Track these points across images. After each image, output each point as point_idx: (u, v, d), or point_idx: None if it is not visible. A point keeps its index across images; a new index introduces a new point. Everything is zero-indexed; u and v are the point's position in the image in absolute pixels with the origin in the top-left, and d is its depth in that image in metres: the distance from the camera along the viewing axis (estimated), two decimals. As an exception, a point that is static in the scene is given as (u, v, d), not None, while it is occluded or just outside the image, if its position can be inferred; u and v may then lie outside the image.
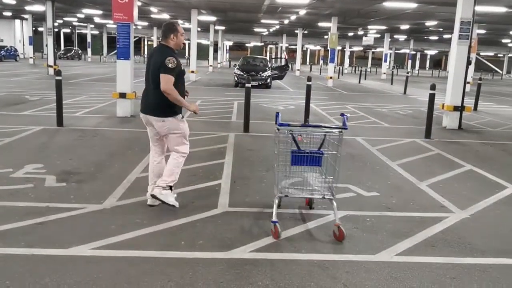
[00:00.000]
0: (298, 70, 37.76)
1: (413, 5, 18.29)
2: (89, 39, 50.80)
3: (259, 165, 6.54)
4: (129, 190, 5.21)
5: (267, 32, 46.95)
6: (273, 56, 58.94)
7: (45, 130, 8.61)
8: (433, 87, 9.41)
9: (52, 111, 9.76)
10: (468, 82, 18.90)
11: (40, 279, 3.18)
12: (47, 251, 3.60)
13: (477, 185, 6.14)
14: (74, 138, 7.98)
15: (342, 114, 4.32)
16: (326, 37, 38.05)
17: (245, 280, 3.29)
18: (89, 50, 49.53)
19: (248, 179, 5.83)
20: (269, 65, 23.51)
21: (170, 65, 4.34)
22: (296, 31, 36.52)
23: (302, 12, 23.18)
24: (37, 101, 12.79)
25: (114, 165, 6.33)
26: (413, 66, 58.75)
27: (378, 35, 38.48)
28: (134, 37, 11.65)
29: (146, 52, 60.78)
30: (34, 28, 41.38)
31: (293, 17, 27.12)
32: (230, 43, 65.73)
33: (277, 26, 36.76)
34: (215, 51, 43.05)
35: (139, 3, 18.13)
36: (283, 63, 26.33)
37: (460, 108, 10.73)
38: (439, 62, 76.32)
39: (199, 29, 30.54)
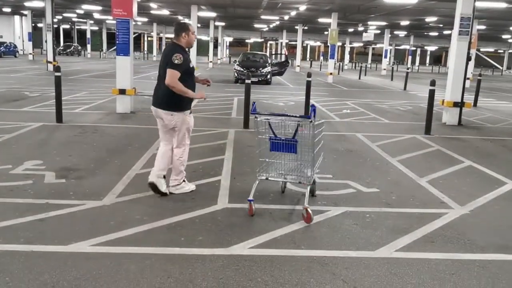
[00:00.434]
0: (298, 66, 37.70)
1: (413, 1, 18.24)
2: (88, 35, 50.72)
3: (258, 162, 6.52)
4: (128, 187, 5.21)
5: (267, 28, 46.87)
6: (273, 52, 58.87)
7: (45, 126, 8.61)
8: (433, 83, 9.40)
9: (52, 107, 9.74)
10: (468, 78, 18.86)
11: (40, 275, 3.19)
12: (47, 248, 3.61)
13: (477, 181, 6.14)
14: (74, 135, 7.97)
15: (312, 105, 4.59)
16: (326, 33, 38.00)
17: (245, 276, 3.29)
18: (88, 46, 49.46)
19: (248, 176, 5.82)
20: (269, 61, 23.47)
21: (176, 61, 4.58)
22: (296, 27, 36.44)
23: (302, 7, 23.12)
24: (36, 97, 12.77)
25: (113, 161, 6.33)
26: (413, 62, 58.71)
27: (378, 31, 38.41)
28: (134, 33, 11.63)
29: (146, 48, 60.70)
30: (33, 24, 41.28)
31: (293, 13, 27.06)
32: (230, 39, 65.64)
33: (277, 22, 36.69)
34: (215, 47, 42.97)
35: (139, -1, 18.06)
36: (283, 59, 26.27)
37: (460, 104, 10.72)
38: (439, 58, 76.21)
39: (199, 25, 30.51)
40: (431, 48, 64.60)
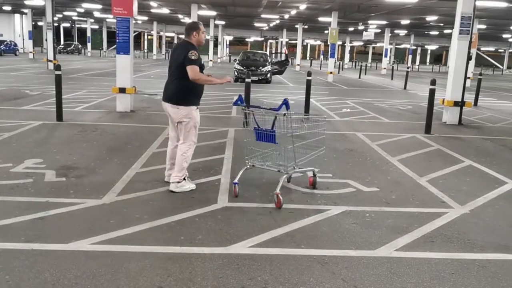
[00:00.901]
0: (298, 65, 37.69)
1: (414, 0, 18.23)
2: (88, 34, 50.73)
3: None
4: (129, 185, 5.21)
5: (267, 27, 46.85)
6: (273, 51, 58.84)
7: (45, 125, 8.61)
8: (433, 82, 9.40)
9: (52, 105, 9.75)
10: (469, 77, 18.86)
11: (40, 274, 3.19)
12: (47, 246, 3.61)
13: (477, 180, 6.14)
14: (74, 133, 7.97)
15: (284, 99, 4.93)
16: (326, 32, 37.96)
17: (245, 275, 3.30)
18: (89, 45, 49.46)
19: (248, 174, 5.81)
20: (269, 60, 23.45)
21: (193, 57, 4.85)
22: (296, 26, 36.42)
23: (303, 6, 23.10)
24: (36, 95, 12.77)
25: (113, 160, 6.33)
26: (413, 61, 58.65)
27: (379, 30, 38.41)
28: (134, 31, 11.62)
29: (146, 47, 60.66)
30: (33, 23, 41.28)
31: (293, 12, 27.04)
32: (230, 38, 65.56)
33: (277, 21, 36.67)
34: (215, 46, 42.94)
35: (139, -2, 18.04)
36: (283, 58, 26.26)
37: (460, 104, 10.71)
38: (439, 57, 76.18)
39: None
40: (431, 47, 64.56)
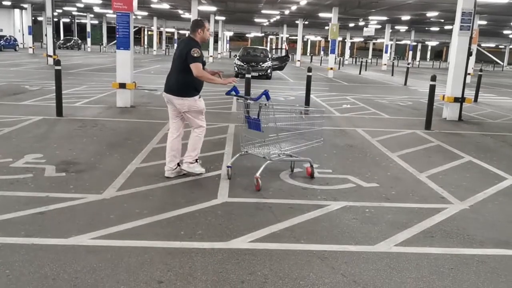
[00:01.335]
0: (298, 61, 37.62)
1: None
2: (88, 29, 50.61)
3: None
4: (129, 180, 5.22)
5: (267, 23, 46.77)
6: (274, 47, 58.75)
7: (45, 120, 8.60)
8: (433, 78, 9.38)
9: (52, 101, 9.74)
10: (469, 74, 18.84)
11: (40, 268, 3.20)
12: (47, 241, 3.62)
13: (477, 176, 6.15)
14: (74, 128, 7.97)
15: (264, 90, 5.19)
16: (327, 27, 37.90)
17: (245, 270, 3.30)
18: (88, 40, 49.35)
19: (249, 170, 5.82)
20: (270, 56, 23.42)
21: (195, 54, 5.08)
22: (296, 22, 36.33)
23: (303, 2, 23.03)
24: (36, 91, 12.76)
25: (114, 155, 6.33)
26: (414, 57, 58.56)
27: (379, 26, 38.32)
28: (134, 27, 11.59)
29: (146, 42, 60.55)
30: (33, 18, 41.19)
31: (293, 7, 26.98)
32: (231, 33, 65.45)
33: (278, 17, 36.59)
34: (215, 41, 42.86)
35: (139, -7, 17.98)
36: (283, 53, 26.22)
37: (460, 100, 10.70)
38: (440, 53, 76.04)
39: (199, 19, 30.39)
40: (432, 43, 64.46)
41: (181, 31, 66.37)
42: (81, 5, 35.87)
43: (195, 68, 5.07)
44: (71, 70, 20.45)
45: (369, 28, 35.46)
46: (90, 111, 9.83)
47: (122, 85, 10.49)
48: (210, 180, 5.38)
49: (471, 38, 10.53)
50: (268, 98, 5.09)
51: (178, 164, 5.40)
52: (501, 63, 56.09)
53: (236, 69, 20.82)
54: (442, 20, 32.05)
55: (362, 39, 65.16)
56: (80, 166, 5.69)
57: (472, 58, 21.69)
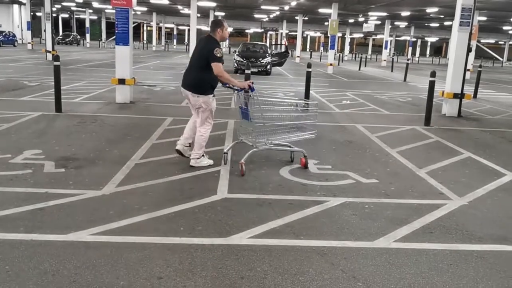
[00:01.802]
0: (298, 56, 37.57)
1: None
2: (87, 24, 50.47)
3: (259, 151, 6.52)
4: (128, 176, 5.21)
5: (267, 18, 46.66)
6: (273, 43, 58.61)
7: (44, 116, 8.59)
8: (433, 74, 9.37)
9: (51, 96, 9.72)
10: (468, 70, 18.82)
11: (39, 264, 3.20)
12: (46, 237, 3.62)
13: (476, 172, 6.15)
14: (73, 124, 7.96)
15: (251, 83, 5.52)
16: (326, 23, 37.80)
17: (244, 266, 3.31)
18: (87, 36, 49.23)
19: (248, 166, 5.82)
20: (269, 52, 23.37)
21: (218, 55, 5.36)
22: (296, 18, 36.25)
23: (303, -3, 22.96)
24: (35, 86, 12.73)
25: (113, 151, 6.33)
26: (413, 53, 58.47)
27: (379, 22, 38.23)
28: (133, 22, 11.56)
29: (145, 38, 60.40)
30: (32, 13, 40.97)
31: (293, 3, 26.90)
32: (230, 29, 65.09)
33: (277, 12, 36.48)
34: (215, 37, 42.71)
35: (138, -12, 17.94)
36: (283, 49, 26.17)
37: (460, 96, 10.70)
38: (439, 49, 75.95)
39: (198, 15, 30.28)
40: (431, 39, 64.35)
41: (180, 27, 66.21)
42: (80, 1, 35.78)
43: (216, 67, 5.34)
44: (70, 66, 20.41)
45: (369, 24, 35.34)
46: (89, 107, 9.82)
47: (122, 81, 10.47)
48: (209, 176, 5.38)
49: (470, 34, 10.51)
50: (252, 90, 5.45)
51: (189, 144, 5.87)
52: (501, 59, 56.02)
53: (236, 64, 20.78)
54: (442, 16, 31.99)
55: (361, 35, 64.98)
56: (80, 162, 5.69)
57: (472, 54, 21.66)
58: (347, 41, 60.02)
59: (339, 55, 40.63)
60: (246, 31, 69.21)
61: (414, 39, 58.26)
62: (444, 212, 4.57)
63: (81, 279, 3.04)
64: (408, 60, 26.19)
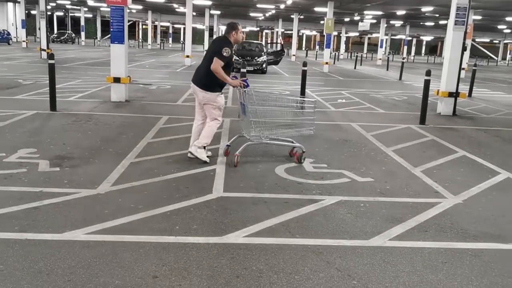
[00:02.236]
0: (293, 55, 37.58)
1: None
2: (82, 23, 50.24)
3: (254, 150, 6.53)
4: (123, 175, 5.20)
5: (263, 17, 46.62)
6: (269, 41, 58.56)
7: (38, 114, 8.55)
8: (428, 73, 9.40)
9: (46, 95, 9.67)
10: (463, 68, 18.89)
11: (34, 263, 3.19)
12: (41, 236, 3.60)
13: (470, 170, 6.18)
14: (68, 123, 7.93)
15: (243, 81, 5.77)
16: (322, 22, 37.80)
17: (240, 265, 3.31)
18: (82, 34, 49.02)
19: (243, 165, 5.83)
20: (265, 50, 23.37)
21: (224, 54, 5.55)
22: (292, 16, 36.24)
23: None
24: (30, 85, 12.67)
25: (108, 150, 6.31)
26: (408, 52, 58.61)
27: (374, 21, 38.28)
28: (128, 21, 11.52)
29: (140, 37, 60.21)
30: (26, 11, 40.76)
31: (289, 2, 26.89)
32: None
33: (273, 11, 36.47)
34: (211, 35, 42.69)
35: (133, -14, 17.87)
36: (278, 48, 26.17)
37: (454, 94, 10.74)
38: (435, 48, 76.17)
39: (194, 13, 30.22)
40: (426, 38, 64.55)
41: (176, 25, 66.07)
42: (75, -1, 35.59)
43: (216, 62, 5.51)
44: (65, 64, 20.32)
45: (364, 22, 35.41)
46: (84, 106, 9.78)
47: (117, 79, 10.44)
48: (205, 175, 5.38)
49: (465, 33, 10.55)
50: (246, 86, 5.75)
51: (205, 147, 5.93)
52: (495, 58, 56.28)
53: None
54: (437, 15, 32.08)
55: (357, 34, 65.11)
56: (75, 161, 5.67)
57: (467, 53, 21.75)
58: (343, 39, 60.09)
59: (335, 53, 40.71)
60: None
61: (410, 38, 58.39)
62: (439, 210, 4.59)
63: (76, 278, 3.03)
64: (403, 59, 26.24)
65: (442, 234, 4.03)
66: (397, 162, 6.41)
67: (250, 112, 5.77)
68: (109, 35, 10.98)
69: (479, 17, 29.67)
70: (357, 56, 33.87)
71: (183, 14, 29.28)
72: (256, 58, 21.14)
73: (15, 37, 42.35)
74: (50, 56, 9.05)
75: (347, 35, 61.49)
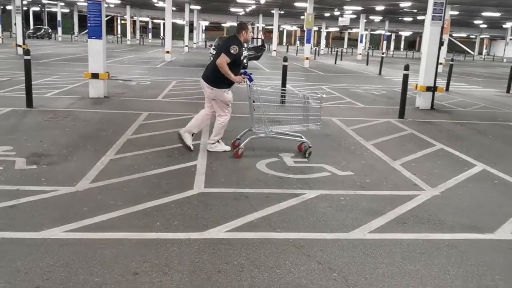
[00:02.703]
0: (274, 50, 37.58)
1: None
2: (59, 18, 49.29)
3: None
4: (103, 172, 5.14)
5: (243, 12, 46.45)
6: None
7: (15, 111, 8.37)
8: (406, 68, 9.52)
9: (22, 91, 9.46)
10: (441, 63, 19.18)
11: (12, 262, 3.13)
12: (18, 234, 3.54)
13: (448, 163, 6.29)
14: (45, 120, 7.79)
15: (245, 72, 6.04)
16: (302, 17, 37.89)
17: (221, 260, 3.31)
18: (59, 29, 48.11)
19: (224, 160, 5.82)
20: (245, 46, 23.29)
21: (232, 51, 5.78)
22: (272, 11, 36.22)
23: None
24: (5, 81, 12.38)
25: (87, 147, 6.22)
26: (388, 47, 59.23)
27: (354, 16, 38.56)
28: (106, 16, 11.35)
29: (119, 32, 59.39)
30: (2, 7, 39.79)
31: (269, -3, 26.86)
32: (206, 23, 64.84)
33: (253, 6, 36.39)
34: (191, 31, 42.37)
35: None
36: (259, 43, 26.14)
37: (432, 89, 10.91)
38: (413, 43, 77.13)
39: (174, 8, 29.92)
40: (405, 33, 65.29)
41: (155, 20, 65.33)
42: (51, -7, 34.87)
43: (221, 58, 5.75)
44: (42, 60, 19.93)
45: (344, 18, 35.63)
46: (61, 102, 9.61)
47: (95, 75, 10.28)
48: (186, 171, 5.35)
49: (442, 28, 10.71)
50: (250, 80, 6.00)
51: (193, 134, 6.16)
52: (472, 52, 57.31)
53: (212, 58, 20.66)
54: (415, 11, 32.48)
55: (337, 29, 65.47)
56: (52, 158, 5.57)
57: (444, 48, 22.08)
58: (323, 35, 60.32)
59: (315, 49, 40.85)
60: (222, 25, 68.83)
61: (389, 33, 59.00)
62: (417, 202, 4.67)
63: (55, 276, 2.99)
64: (383, 53, 26.51)
65: (420, 226, 4.10)
66: (377, 155, 6.49)
67: (256, 107, 5.99)
68: (87, 31, 10.80)
69: (456, 12, 30.14)
70: (337, 51, 34.07)
71: (163, 9, 28.95)
72: (236, 53, 21.04)
73: (-11, 33, 41.25)
74: (26, 52, 8.86)
75: (327, 30, 61.77)
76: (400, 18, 44.51)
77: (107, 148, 6.11)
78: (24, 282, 2.91)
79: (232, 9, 42.88)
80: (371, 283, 3.10)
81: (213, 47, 21.80)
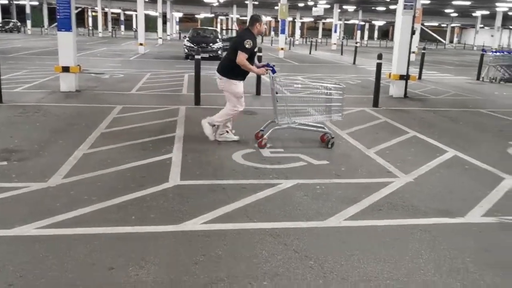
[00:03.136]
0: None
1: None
2: (28, 11, 47.88)
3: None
4: (75, 167, 5.04)
5: (217, 3, 46.10)
6: (225, 28, 58.08)
7: (-17, 107, 8.13)
8: (379, 57, 9.63)
9: (-11, 87, 9.17)
10: (413, 52, 19.45)
11: (-18, 261, 3.06)
12: (-11, 233, 3.45)
13: (420, 150, 6.42)
14: (15, 115, 7.58)
15: (267, 64, 6.30)
16: (276, 8, 37.85)
17: (198, 251, 3.30)
18: (28, 22, 46.73)
19: (200, 152, 5.79)
20: (220, 37, 23.14)
21: (247, 45, 5.88)
22: (246, 2, 36.03)
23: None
24: (-28, 76, 11.98)
25: (59, 141, 6.09)
26: (362, 37, 59.74)
27: (328, 6, 38.72)
28: (76, 7, 11.08)
29: (90, 24, 58.13)
30: (-35, -1, 38.47)
31: (243, -13, 26.69)
32: (180, 14, 64.01)
33: (227, -3, 36.12)
34: (164, 23, 41.80)
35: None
36: (234, 34, 26.01)
37: (405, 77, 11.08)
38: (386, 33, 77.92)
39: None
40: (379, 23, 65.99)
41: (127, 12, 64.15)
42: (18, -15, 33.83)
43: (240, 55, 5.86)
44: (11, 54, 19.35)
45: (318, 8, 35.77)
46: (32, 97, 9.37)
47: (66, 69, 10.05)
48: (161, 164, 5.30)
49: (414, 17, 10.86)
50: (273, 72, 6.23)
51: (214, 125, 6.27)
52: (443, 41, 58.38)
53: (186, 50, 20.46)
54: (388, 0, 32.81)
55: (311, 19, 65.68)
56: (23, 154, 5.44)
57: (416, 37, 22.41)
58: (298, 25, 60.44)
59: (290, 39, 40.90)
60: (196, 16, 68.09)
61: (362, 23, 59.52)
62: (392, 189, 4.75)
63: (29, 274, 2.94)
64: (357, 43, 26.73)
65: (394, 212, 4.18)
66: (352, 144, 6.56)
67: (279, 98, 6.15)
68: (56, 23, 10.52)
69: (428, 1, 30.60)
70: (312, 42, 34.18)
71: (135, 0, 28.46)
72: (211, 44, 20.91)
73: (-46, 26, 39.84)
74: (-7, 45, 8.58)
75: (301, 20, 61.91)
76: (373, 8, 44.97)
77: (80, 143, 6.00)
78: (-4, 281, 2.85)
79: (206, 0, 42.48)
80: (346, 270, 3.15)
81: (187, 39, 21.59)
